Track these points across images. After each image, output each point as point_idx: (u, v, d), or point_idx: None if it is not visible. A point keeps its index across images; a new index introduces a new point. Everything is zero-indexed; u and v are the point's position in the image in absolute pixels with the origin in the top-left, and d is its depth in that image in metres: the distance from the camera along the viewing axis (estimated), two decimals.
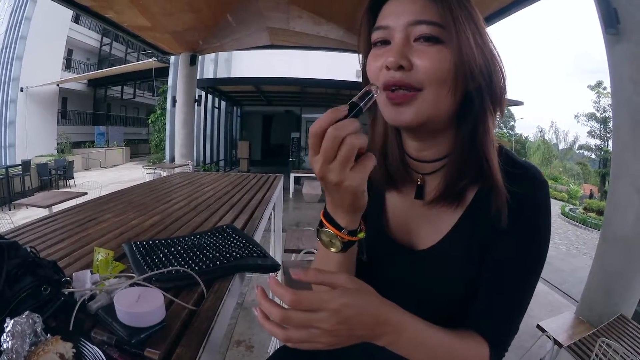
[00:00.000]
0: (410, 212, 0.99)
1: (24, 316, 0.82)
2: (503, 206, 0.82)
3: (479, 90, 0.82)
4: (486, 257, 0.88)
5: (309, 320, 0.66)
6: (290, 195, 13.32)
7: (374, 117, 0.97)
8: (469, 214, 0.90)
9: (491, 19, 7.08)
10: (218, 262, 1.38)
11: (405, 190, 1.00)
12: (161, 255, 1.42)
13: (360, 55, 0.93)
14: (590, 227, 18.30)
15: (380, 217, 1.04)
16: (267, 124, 28.55)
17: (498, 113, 0.87)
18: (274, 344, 3.31)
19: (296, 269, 0.73)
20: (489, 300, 0.87)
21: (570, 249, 13.47)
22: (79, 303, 1.01)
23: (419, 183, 0.96)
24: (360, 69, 0.93)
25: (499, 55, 0.84)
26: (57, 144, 24.77)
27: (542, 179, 0.86)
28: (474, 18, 0.80)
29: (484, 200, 0.86)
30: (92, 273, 1.19)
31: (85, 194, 6.52)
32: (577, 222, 19.86)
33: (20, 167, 15.13)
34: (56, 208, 5.28)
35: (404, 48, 0.79)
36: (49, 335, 0.84)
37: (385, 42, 0.83)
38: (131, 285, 1.12)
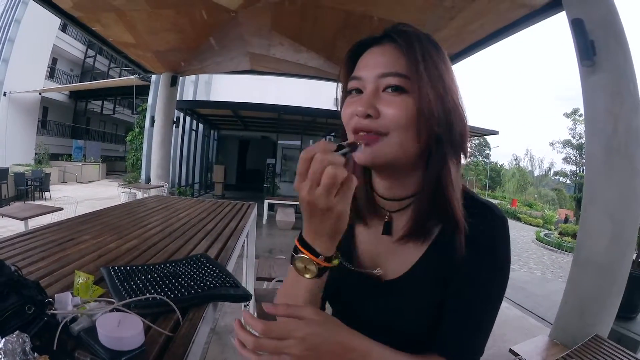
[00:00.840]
0: (378, 245, 1.05)
1: (14, 335, 0.87)
2: (462, 244, 0.89)
3: (439, 136, 0.89)
4: (449, 286, 0.93)
5: (279, 347, 0.74)
6: (264, 222, 13.22)
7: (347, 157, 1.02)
8: (433, 248, 0.96)
9: (458, 56, 7.28)
10: (193, 291, 1.44)
11: (374, 226, 1.06)
12: (138, 281, 1.47)
13: (339, 86, 1.02)
14: (566, 251, 18.40)
15: (350, 249, 1.10)
16: (243, 149, 28.58)
17: (462, 156, 0.95)
18: None
19: (268, 303, 0.81)
20: (452, 325, 0.92)
21: (546, 274, 13.53)
22: (61, 324, 1.04)
23: (386, 220, 1.03)
24: (337, 97, 1.03)
25: (461, 103, 0.92)
26: (35, 154, 24.43)
27: (500, 215, 0.93)
28: (439, 68, 0.88)
29: (447, 236, 0.92)
30: (73, 295, 1.23)
31: (61, 209, 6.48)
32: (552, 246, 19.93)
33: None
34: (32, 221, 5.26)
35: (373, 98, 0.88)
36: (36, 354, 0.89)
37: (359, 91, 0.93)
38: (111, 310, 1.17)
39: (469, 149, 0.95)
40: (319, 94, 14.98)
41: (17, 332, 0.89)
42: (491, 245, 0.92)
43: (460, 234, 0.89)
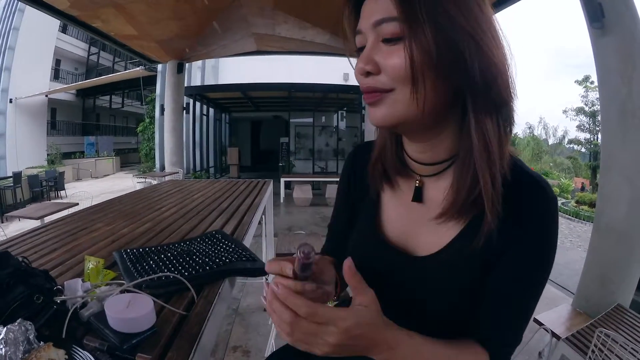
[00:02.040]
0: (408, 215, 0.95)
1: (16, 324, 0.83)
2: (490, 227, 0.78)
3: (462, 90, 0.76)
4: (492, 268, 0.83)
5: (317, 332, 0.69)
6: (282, 200, 13.17)
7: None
8: (473, 224, 0.83)
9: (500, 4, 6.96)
10: (208, 267, 1.39)
11: (403, 192, 0.97)
12: (151, 262, 1.43)
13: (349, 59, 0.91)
14: (583, 220, 18.22)
15: (374, 219, 1.01)
16: (255, 129, 28.61)
17: (504, 120, 0.81)
18: (270, 348, 3.31)
19: (350, 264, 0.74)
20: (494, 310, 0.84)
21: (565, 242, 13.43)
22: (71, 311, 1.01)
23: (417, 185, 0.93)
24: (346, 72, 0.93)
25: (486, 41, 0.74)
26: (47, 155, 24.66)
27: (552, 195, 0.81)
28: (444, 3, 0.71)
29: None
30: (83, 281, 1.19)
31: (77, 204, 6.44)
32: (569, 215, 19.67)
33: (11, 179, 15.06)
34: (48, 219, 5.24)
35: (372, 52, 0.77)
36: (41, 342, 0.85)
37: (363, 48, 0.80)
38: (121, 291, 1.12)
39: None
40: (328, 70, 14.92)
41: (19, 320, 0.85)
42: (542, 229, 0.81)
43: (490, 214, 0.77)
